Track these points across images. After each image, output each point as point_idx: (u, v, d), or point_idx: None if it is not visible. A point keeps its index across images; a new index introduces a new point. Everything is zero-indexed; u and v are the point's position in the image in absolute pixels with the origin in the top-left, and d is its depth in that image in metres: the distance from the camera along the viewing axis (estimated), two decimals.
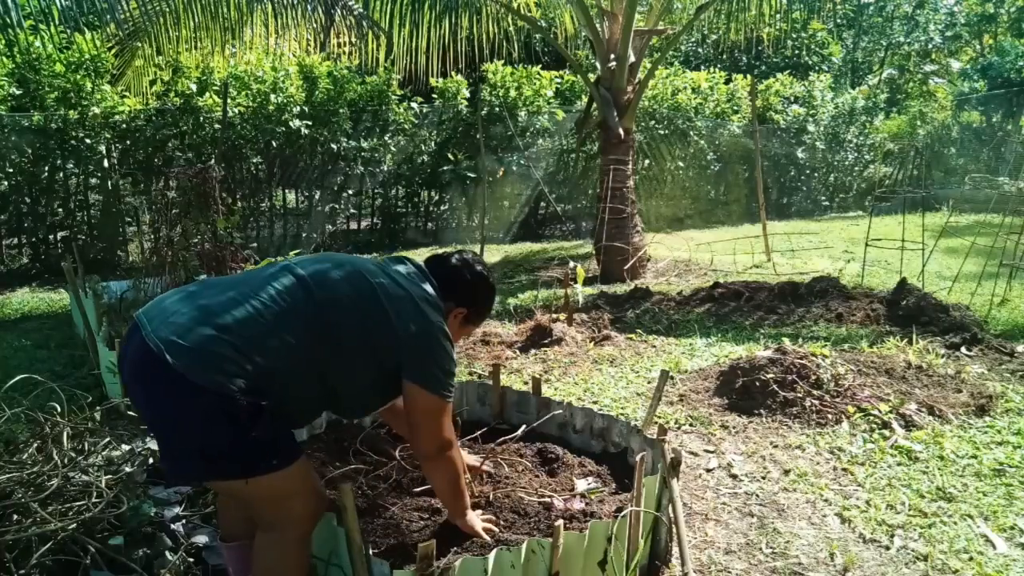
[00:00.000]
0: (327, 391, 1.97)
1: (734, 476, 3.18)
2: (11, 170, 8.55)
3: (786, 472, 3.19)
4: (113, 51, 8.18)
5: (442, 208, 12.12)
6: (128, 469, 2.62)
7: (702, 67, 15.81)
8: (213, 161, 8.67)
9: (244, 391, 1.77)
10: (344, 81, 10.18)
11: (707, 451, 3.44)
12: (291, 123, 9.66)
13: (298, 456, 1.93)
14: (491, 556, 1.92)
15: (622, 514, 2.18)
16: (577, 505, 2.47)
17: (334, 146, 10.17)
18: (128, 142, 9.13)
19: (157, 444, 2.03)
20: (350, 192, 10.75)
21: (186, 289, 1.97)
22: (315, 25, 6.95)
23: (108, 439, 2.77)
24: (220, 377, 1.75)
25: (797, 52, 19.52)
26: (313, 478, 2.03)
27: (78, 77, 8.43)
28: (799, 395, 3.80)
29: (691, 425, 3.73)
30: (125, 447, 2.89)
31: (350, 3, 6.94)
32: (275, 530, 1.93)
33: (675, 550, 2.46)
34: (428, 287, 2.11)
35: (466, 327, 2.34)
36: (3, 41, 5.30)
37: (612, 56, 7.74)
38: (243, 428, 1.78)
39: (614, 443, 2.96)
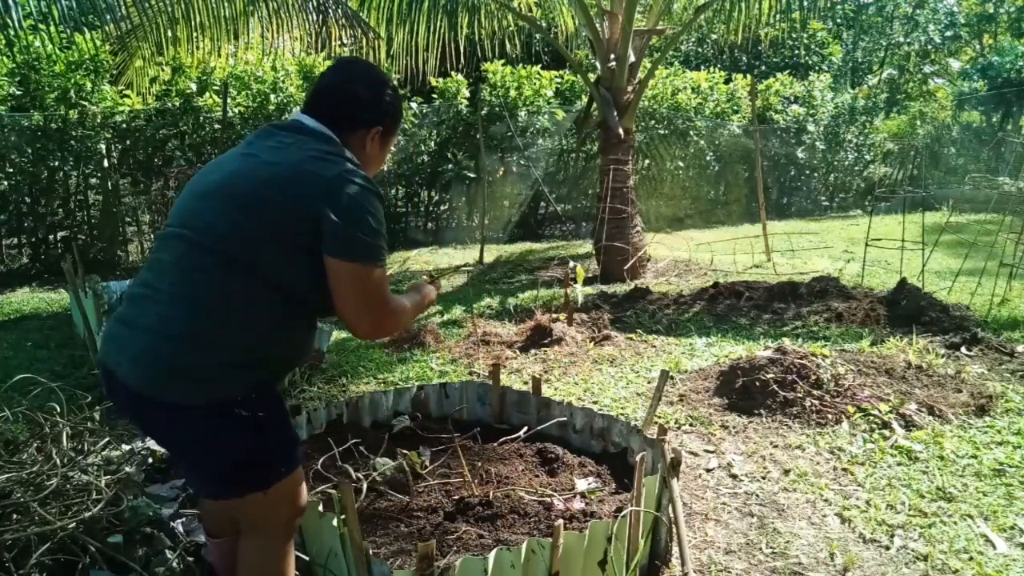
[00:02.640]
0: (302, 311, 1.83)
1: (734, 476, 3.18)
2: (11, 170, 8.55)
3: (786, 472, 3.19)
4: (113, 51, 8.19)
5: (442, 208, 12.12)
6: (128, 469, 2.62)
7: (702, 67, 15.82)
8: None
9: (241, 390, 1.71)
10: None
11: (707, 451, 3.44)
12: None
13: (300, 460, 1.90)
14: (491, 556, 1.92)
15: (622, 514, 2.18)
16: (577, 505, 2.47)
17: None
18: (128, 142, 9.14)
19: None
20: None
21: (118, 314, 1.82)
22: (309, 25, 6.95)
23: (107, 439, 2.77)
24: (205, 386, 1.69)
25: (797, 52, 19.53)
26: (303, 483, 1.97)
27: (78, 77, 8.44)
28: (799, 395, 3.80)
29: (691, 425, 3.72)
30: (125, 447, 2.90)
31: (344, 3, 6.94)
32: (265, 534, 1.87)
33: (675, 550, 2.46)
34: (309, 139, 1.82)
35: (387, 141, 2.03)
36: (3, 41, 5.30)
37: (612, 56, 7.74)
38: (249, 440, 1.75)
39: (614, 443, 2.96)
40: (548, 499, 2.50)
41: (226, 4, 6.68)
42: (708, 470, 3.25)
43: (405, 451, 2.78)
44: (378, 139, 1.97)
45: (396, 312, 1.86)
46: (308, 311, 1.84)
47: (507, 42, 8.96)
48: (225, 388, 1.70)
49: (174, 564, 2.25)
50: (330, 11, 6.78)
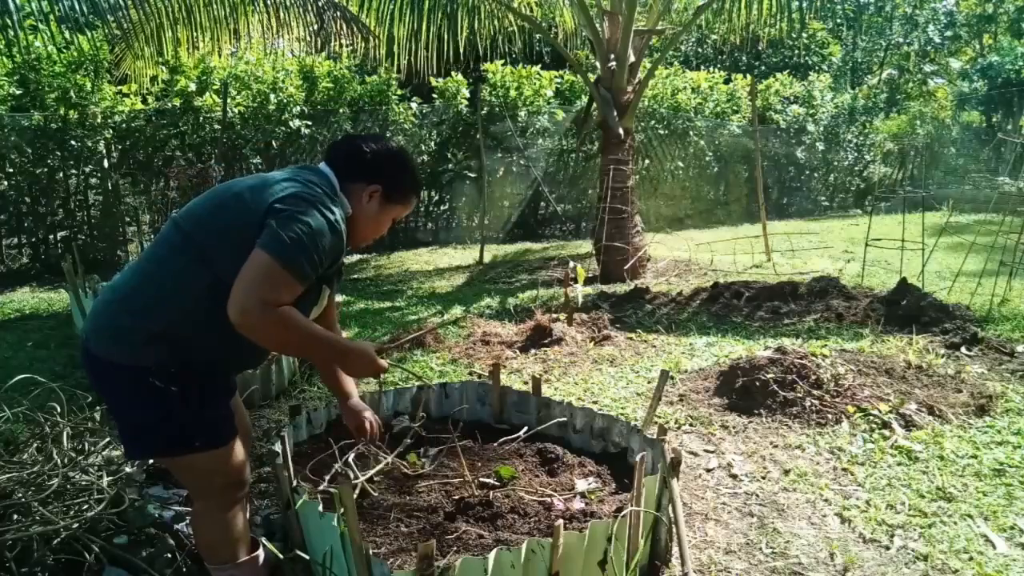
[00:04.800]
0: None
1: (734, 476, 3.18)
2: (11, 170, 8.55)
3: (786, 472, 3.19)
4: (115, 53, 8.19)
5: (442, 208, 12.12)
6: (128, 469, 2.62)
7: (702, 67, 15.82)
8: (213, 161, 8.69)
9: (160, 362, 1.88)
10: (344, 81, 10.18)
11: (707, 451, 3.44)
12: (291, 123, 9.66)
13: (225, 439, 2.02)
14: (491, 556, 1.92)
15: (622, 514, 2.18)
16: (577, 505, 2.47)
17: None
18: (128, 142, 9.14)
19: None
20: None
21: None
22: (308, 27, 6.96)
23: (108, 439, 2.77)
24: (129, 349, 1.88)
25: (797, 52, 19.52)
26: (238, 460, 2.07)
27: (78, 77, 8.44)
28: (799, 395, 3.80)
29: (691, 425, 3.73)
30: None
31: (342, 6, 6.95)
32: (202, 500, 2.07)
33: (675, 550, 2.46)
34: (310, 175, 2.00)
35: (388, 207, 2.14)
36: (3, 41, 5.30)
37: (612, 56, 7.74)
38: (158, 409, 1.91)
39: (614, 443, 2.96)
40: (548, 499, 2.50)
41: (225, 3, 6.69)
42: (708, 470, 3.25)
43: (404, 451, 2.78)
44: (377, 198, 2.10)
45: (280, 319, 1.78)
46: None
47: (507, 42, 8.95)
48: (146, 355, 1.88)
49: (181, 567, 2.25)
50: (327, 14, 6.79)
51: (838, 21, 22.19)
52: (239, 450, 2.07)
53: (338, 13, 6.88)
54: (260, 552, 2.21)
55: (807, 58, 19.81)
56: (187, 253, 1.90)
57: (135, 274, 1.97)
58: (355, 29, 7.02)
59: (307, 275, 1.84)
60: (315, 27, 6.88)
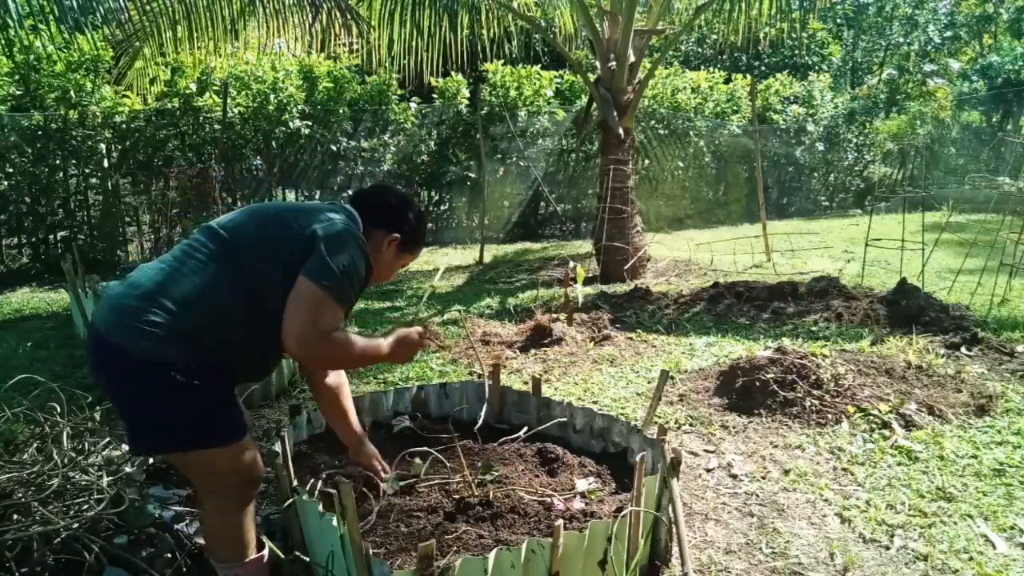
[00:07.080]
0: (262, 327, 1.98)
1: (734, 476, 3.18)
2: (11, 170, 8.55)
3: (786, 472, 3.19)
4: (113, 52, 8.20)
5: (442, 208, 12.12)
6: (128, 469, 2.62)
7: (702, 67, 15.82)
8: (213, 161, 8.69)
9: (184, 358, 1.90)
10: (344, 81, 10.18)
11: (707, 451, 3.44)
12: (291, 123, 9.66)
13: (240, 436, 2.05)
14: (491, 556, 1.92)
15: (622, 514, 2.18)
16: (577, 505, 2.47)
17: (334, 146, 10.17)
18: (128, 142, 9.14)
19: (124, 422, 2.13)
20: (350, 192, 10.76)
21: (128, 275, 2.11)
22: (303, 15, 6.92)
23: (108, 439, 2.77)
24: (154, 345, 1.88)
25: (797, 52, 19.53)
26: (252, 456, 2.10)
27: (78, 77, 8.44)
28: (799, 395, 3.80)
29: (691, 425, 3.73)
30: (125, 447, 2.89)
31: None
32: (215, 498, 2.08)
33: (675, 550, 2.46)
34: (344, 214, 2.14)
35: (402, 255, 2.33)
36: (3, 41, 5.30)
37: (612, 56, 7.74)
38: (178, 401, 1.92)
39: (614, 443, 2.96)
40: (548, 499, 2.50)
41: (225, 4, 6.69)
42: (708, 470, 3.25)
43: (409, 459, 2.78)
44: (393, 247, 2.27)
45: (335, 343, 1.97)
46: (269, 324, 1.96)
47: (507, 42, 8.95)
48: (171, 352, 1.90)
49: (181, 567, 2.25)
50: (323, 4, 6.75)
51: (838, 21, 22.20)
52: (252, 447, 2.10)
53: (333, 3, 6.80)
54: (265, 552, 2.21)
55: (807, 58, 19.81)
56: (220, 260, 1.98)
57: (162, 274, 1.98)
58: (352, 20, 6.95)
59: (351, 303, 2.06)
60: (310, 18, 6.84)
